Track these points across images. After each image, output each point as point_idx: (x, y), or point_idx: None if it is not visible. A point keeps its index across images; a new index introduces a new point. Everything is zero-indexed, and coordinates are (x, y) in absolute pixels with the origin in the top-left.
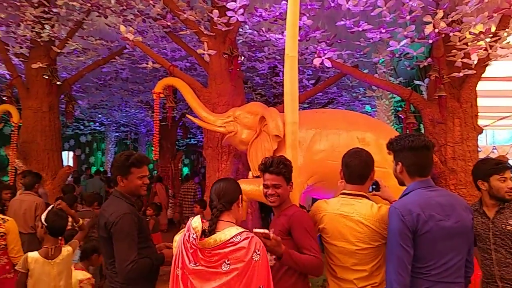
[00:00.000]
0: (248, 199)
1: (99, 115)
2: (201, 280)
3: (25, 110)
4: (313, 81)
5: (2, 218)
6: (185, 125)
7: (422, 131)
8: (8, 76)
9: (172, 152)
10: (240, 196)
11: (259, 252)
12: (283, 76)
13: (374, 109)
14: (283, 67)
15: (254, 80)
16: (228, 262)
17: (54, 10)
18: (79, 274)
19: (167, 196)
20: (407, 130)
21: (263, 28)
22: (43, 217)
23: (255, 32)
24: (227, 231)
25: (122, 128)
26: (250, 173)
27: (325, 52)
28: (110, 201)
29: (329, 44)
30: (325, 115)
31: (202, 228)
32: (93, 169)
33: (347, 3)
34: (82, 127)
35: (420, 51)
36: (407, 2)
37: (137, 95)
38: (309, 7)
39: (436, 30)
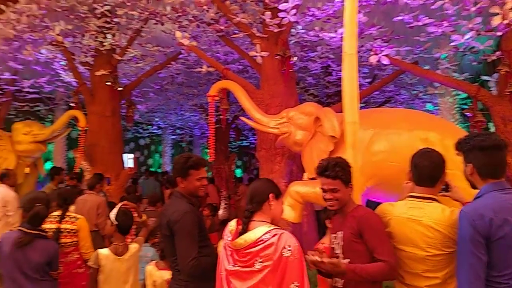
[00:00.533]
0: (303, 201)
1: (156, 119)
2: (240, 280)
3: (90, 115)
4: (369, 80)
5: (74, 216)
6: (238, 127)
7: (492, 130)
8: (74, 84)
9: (226, 154)
10: (271, 194)
11: (289, 248)
12: (336, 75)
13: (436, 108)
14: (337, 66)
15: (306, 81)
16: (260, 260)
17: (115, 20)
18: (166, 274)
19: (218, 197)
20: (475, 129)
21: (316, 28)
22: (112, 216)
23: (308, 31)
24: (257, 230)
25: (178, 131)
26: (305, 174)
27: (382, 49)
28: (171, 201)
29: (386, 40)
30: (384, 114)
31: (238, 229)
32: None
33: None
34: (141, 130)
35: (487, 44)
36: None
37: (192, 99)
38: (364, 3)
39: (505, 22)
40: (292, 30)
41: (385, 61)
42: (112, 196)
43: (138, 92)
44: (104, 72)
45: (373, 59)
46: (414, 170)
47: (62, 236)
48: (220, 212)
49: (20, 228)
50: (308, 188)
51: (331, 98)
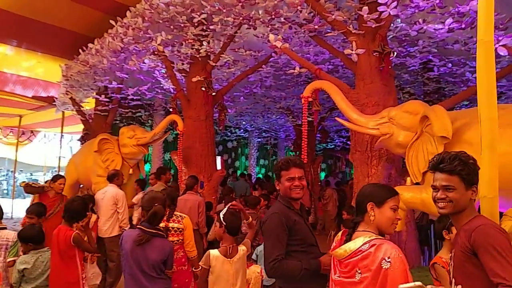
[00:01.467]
0: (407, 207)
1: (244, 122)
2: None
3: (186, 119)
4: None
5: (180, 215)
6: (324, 129)
7: None
8: (172, 90)
9: (312, 157)
10: (369, 204)
11: (389, 260)
12: (438, 71)
13: None
14: (439, 61)
15: (402, 78)
16: (359, 271)
17: (211, 27)
18: (255, 268)
19: (310, 201)
20: None
21: (420, 20)
22: (221, 216)
23: (409, 25)
24: (358, 240)
25: (263, 134)
26: (408, 179)
27: (500, 38)
28: (273, 204)
29: (503, 29)
30: (504, 111)
31: (342, 239)
32: (238, 172)
33: None
34: (229, 133)
35: None
36: None
37: (279, 102)
38: None
39: None
40: (391, 25)
41: (502, 52)
42: (205, 197)
43: (228, 96)
44: (199, 78)
45: None
46: None
47: (169, 235)
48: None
49: (139, 226)
50: (413, 194)
51: (430, 96)
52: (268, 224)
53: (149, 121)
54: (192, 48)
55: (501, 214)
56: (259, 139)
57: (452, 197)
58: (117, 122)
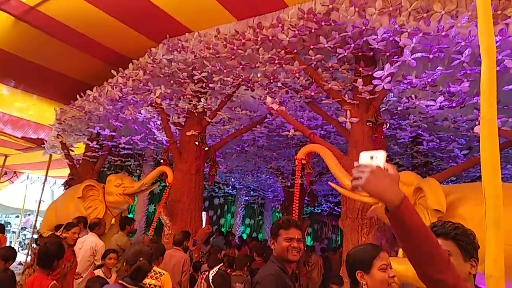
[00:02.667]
0: (399, 280)
1: (233, 179)
2: None
3: (176, 172)
4: (465, 152)
5: (159, 272)
6: (313, 192)
7: None
8: (165, 142)
9: (299, 220)
10: (358, 272)
11: None
12: (427, 145)
13: None
14: (429, 136)
15: (392, 149)
16: None
17: (210, 85)
18: None
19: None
20: None
21: (412, 95)
22: (210, 278)
23: (400, 99)
24: None
25: (251, 192)
26: (400, 250)
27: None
28: (264, 265)
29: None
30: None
31: None
32: (224, 230)
33: None
34: (216, 189)
35: None
36: None
37: (270, 162)
38: (468, 71)
39: None
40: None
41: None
42: (194, 257)
43: (220, 152)
44: (194, 133)
45: (478, 129)
46: None
47: None
48: None
49: (121, 282)
50: (407, 266)
51: (418, 169)
52: (263, 285)
53: (137, 170)
54: (190, 103)
55: None
56: (247, 198)
57: None
58: (105, 169)
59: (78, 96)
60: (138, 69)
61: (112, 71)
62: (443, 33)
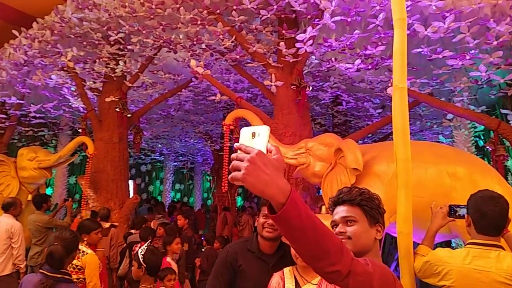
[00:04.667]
0: None
1: (159, 145)
2: None
3: (97, 141)
4: (379, 110)
5: (83, 251)
6: None
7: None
8: (81, 109)
9: (229, 182)
10: None
11: None
12: (346, 106)
13: (448, 140)
14: (348, 96)
15: (314, 110)
16: None
17: (129, 47)
18: None
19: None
20: (496, 163)
21: (332, 58)
22: (140, 257)
23: (322, 62)
24: None
25: (180, 157)
26: (323, 207)
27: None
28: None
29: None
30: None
31: None
32: (159, 198)
33: (426, 30)
34: (143, 156)
35: (509, 77)
36: (494, 27)
37: (197, 126)
38: (382, 35)
39: None
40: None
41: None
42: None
43: (144, 118)
44: (113, 99)
45: (390, 90)
46: (480, 218)
47: None
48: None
49: (41, 270)
50: (328, 222)
51: (338, 127)
52: (217, 258)
53: (53, 141)
54: (107, 67)
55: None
56: (175, 163)
57: (353, 232)
58: (15, 141)
59: None
60: (44, 29)
61: (14, 31)
62: None
